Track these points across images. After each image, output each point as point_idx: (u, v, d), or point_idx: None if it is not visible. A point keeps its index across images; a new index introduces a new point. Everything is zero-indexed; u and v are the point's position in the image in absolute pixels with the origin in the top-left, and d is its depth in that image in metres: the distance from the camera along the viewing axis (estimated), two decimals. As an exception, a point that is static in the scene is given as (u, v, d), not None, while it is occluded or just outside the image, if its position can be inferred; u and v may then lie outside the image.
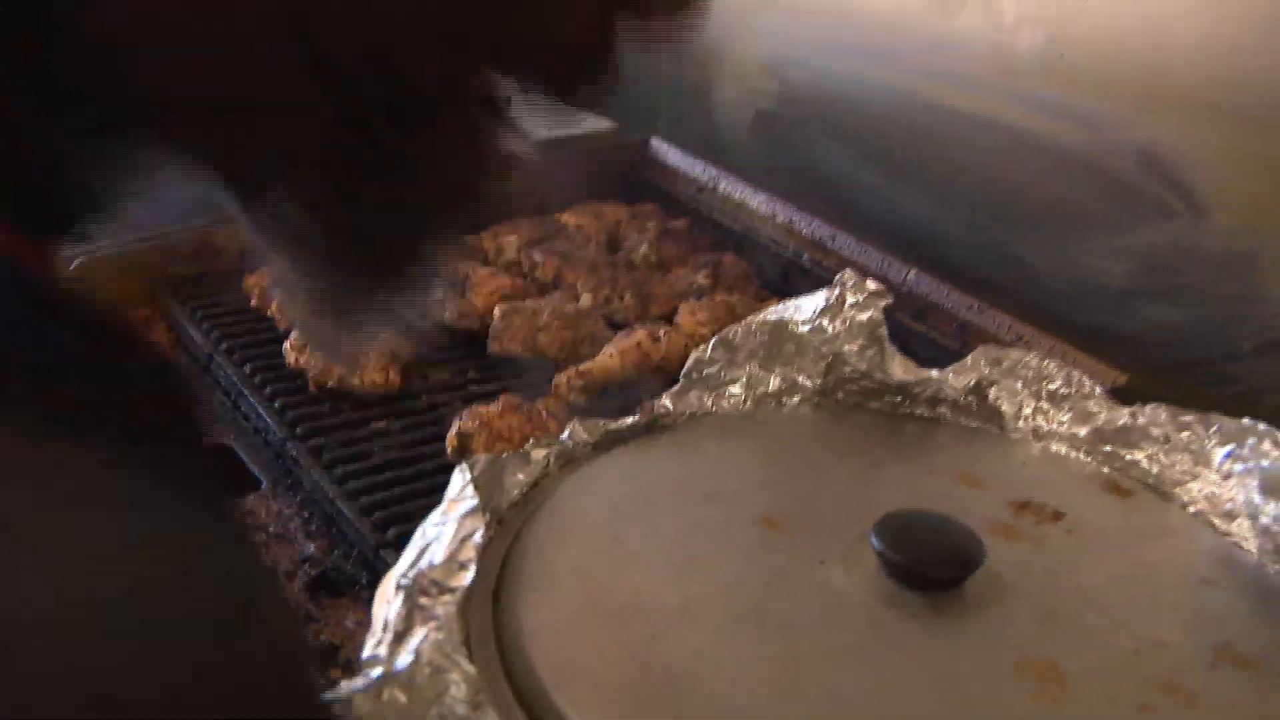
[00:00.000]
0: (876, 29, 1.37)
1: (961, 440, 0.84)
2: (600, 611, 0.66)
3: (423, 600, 0.59)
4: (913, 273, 1.20)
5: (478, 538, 0.62)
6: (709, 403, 0.84)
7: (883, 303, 0.84)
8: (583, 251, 1.29)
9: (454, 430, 0.98)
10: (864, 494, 0.77)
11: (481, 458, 0.69)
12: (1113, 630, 0.66)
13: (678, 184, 1.46)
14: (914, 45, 1.33)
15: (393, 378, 1.09)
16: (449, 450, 0.98)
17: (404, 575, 0.60)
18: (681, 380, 0.86)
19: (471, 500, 0.64)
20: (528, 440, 0.97)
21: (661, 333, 1.12)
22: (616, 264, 1.29)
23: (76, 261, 1.21)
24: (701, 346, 0.86)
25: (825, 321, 0.84)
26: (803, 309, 0.85)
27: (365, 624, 0.87)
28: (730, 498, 0.76)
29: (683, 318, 1.18)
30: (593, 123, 1.52)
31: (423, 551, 0.62)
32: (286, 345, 1.11)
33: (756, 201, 1.37)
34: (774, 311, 0.86)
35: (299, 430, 1.03)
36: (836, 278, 0.86)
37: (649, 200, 1.42)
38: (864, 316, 0.83)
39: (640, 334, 1.12)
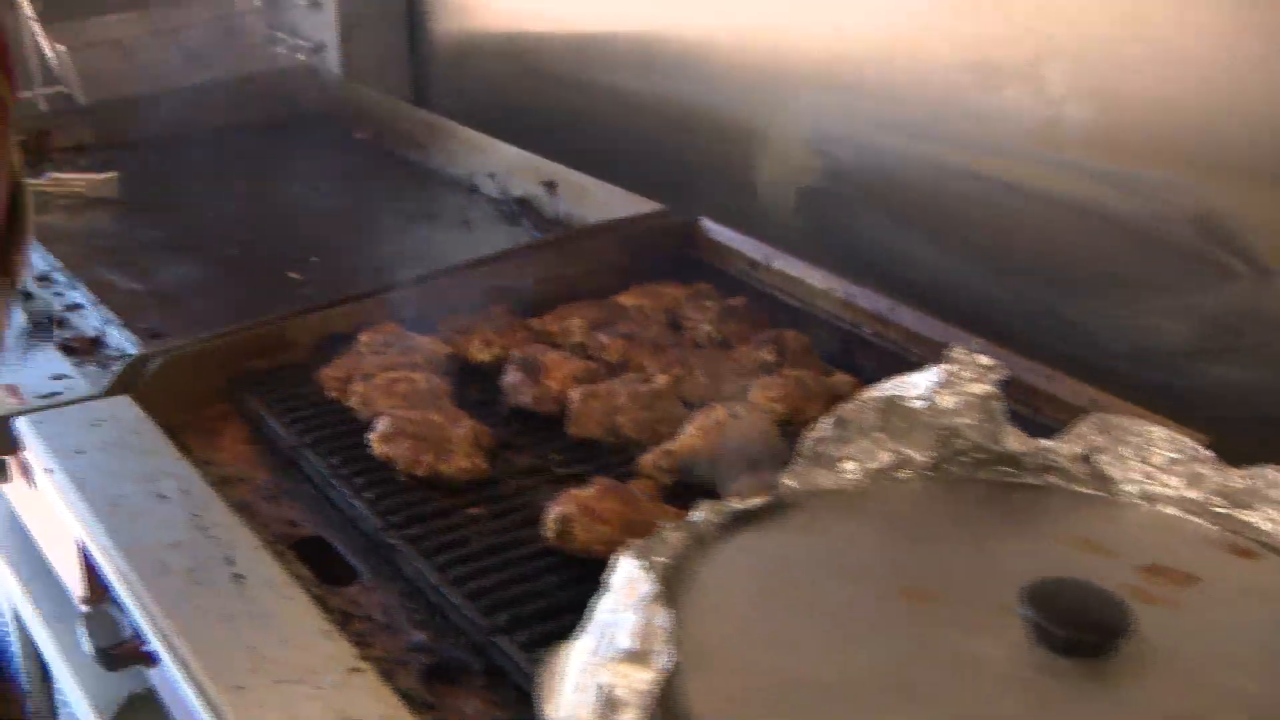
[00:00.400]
0: (920, 104, 1.40)
1: (1073, 506, 0.86)
2: (765, 691, 0.67)
3: (610, 683, 0.60)
4: (978, 344, 1.22)
5: (659, 623, 0.62)
6: (825, 480, 0.85)
7: (995, 377, 0.86)
8: (646, 332, 1.31)
9: (554, 514, 0.99)
10: (994, 563, 0.79)
11: (635, 544, 0.71)
12: (1268, 692, 0.67)
13: (730, 262, 1.48)
14: (960, 119, 1.36)
15: (480, 464, 1.10)
16: (550, 535, 0.99)
17: (589, 662, 0.61)
18: (795, 458, 0.87)
19: (647, 586, 0.65)
20: (627, 522, 0.98)
21: (739, 410, 1.14)
22: (682, 343, 1.31)
23: (152, 364, 1.22)
24: (813, 424, 0.87)
25: (938, 396, 0.86)
26: (915, 385, 0.86)
27: (485, 713, 0.88)
28: (865, 572, 0.78)
29: (755, 394, 1.19)
30: (641, 205, 1.54)
31: (601, 638, 0.63)
32: (372, 436, 1.12)
33: (812, 277, 1.39)
34: (885, 388, 0.87)
35: (394, 519, 1.04)
36: (945, 353, 0.88)
37: (701, 279, 1.44)
38: (978, 390, 0.85)
39: (719, 412, 1.13)
